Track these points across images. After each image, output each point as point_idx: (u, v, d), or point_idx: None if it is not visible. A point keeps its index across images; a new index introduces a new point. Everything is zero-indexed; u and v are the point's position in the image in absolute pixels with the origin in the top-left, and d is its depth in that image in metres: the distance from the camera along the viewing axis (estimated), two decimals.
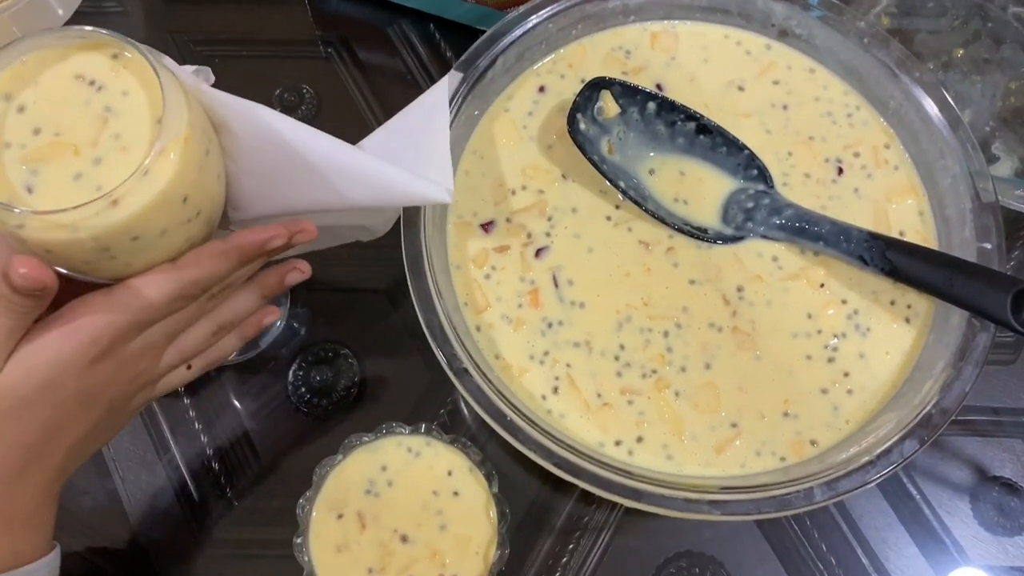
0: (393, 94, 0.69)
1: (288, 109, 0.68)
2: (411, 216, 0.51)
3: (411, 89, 0.69)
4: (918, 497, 0.59)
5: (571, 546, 0.58)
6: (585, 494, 0.59)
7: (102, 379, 0.41)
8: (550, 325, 0.52)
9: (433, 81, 0.69)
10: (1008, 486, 0.60)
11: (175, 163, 0.40)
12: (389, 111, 0.68)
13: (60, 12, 0.65)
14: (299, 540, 0.50)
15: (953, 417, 0.47)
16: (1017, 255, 0.66)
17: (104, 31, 0.41)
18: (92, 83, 0.41)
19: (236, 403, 0.60)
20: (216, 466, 0.59)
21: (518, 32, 0.56)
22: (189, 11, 0.72)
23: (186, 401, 0.60)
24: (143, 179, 0.39)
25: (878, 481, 0.46)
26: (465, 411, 0.60)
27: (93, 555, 0.57)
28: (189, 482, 0.58)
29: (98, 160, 0.40)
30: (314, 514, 0.50)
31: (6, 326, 0.38)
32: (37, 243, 0.39)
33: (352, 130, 0.67)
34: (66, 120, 0.40)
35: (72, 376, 0.40)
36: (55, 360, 0.39)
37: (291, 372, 0.61)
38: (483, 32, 0.57)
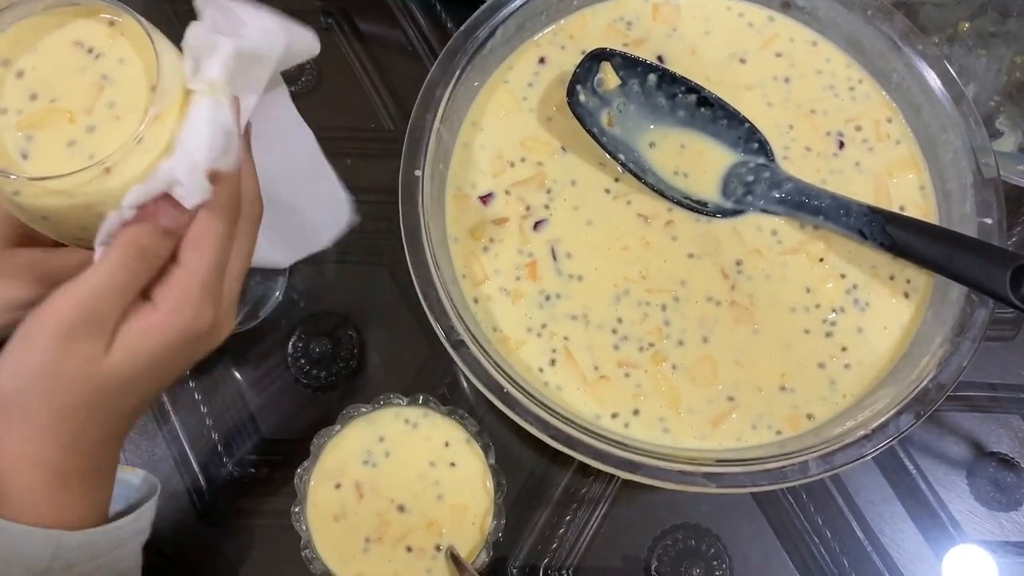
0: (393, 64, 0.69)
1: (289, 80, 0.68)
2: (409, 189, 0.51)
3: (411, 60, 0.69)
4: (915, 472, 0.59)
5: (568, 517, 0.58)
6: (582, 466, 0.59)
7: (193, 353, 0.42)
8: (548, 298, 0.52)
9: (434, 52, 0.69)
10: (1005, 461, 0.60)
11: (169, 131, 0.40)
12: (389, 81, 0.68)
13: None
14: (297, 509, 0.50)
15: (950, 392, 0.47)
16: (1019, 231, 0.65)
17: None
18: (90, 50, 0.41)
19: (236, 374, 0.61)
20: (216, 436, 0.59)
21: (518, 2, 0.55)
22: None
23: (187, 372, 0.60)
24: (137, 147, 0.39)
25: (873, 455, 0.46)
26: (464, 384, 0.61)
27: None
28: (189, 452, 0.59)
29: (92, 128, 0.40)
30: (312, 483, 0.51)
31: (122, 281, 0.38)
32: (34, 209, 0.39)
33: (352, 100, 0.67)
34: (62, 86, 0.40)
35: (173, 355, 0.40)
36: (162, 346, 0.39)
37: (291, 343, 0.61)
38: (483, 3, 0.56)
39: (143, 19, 0.41)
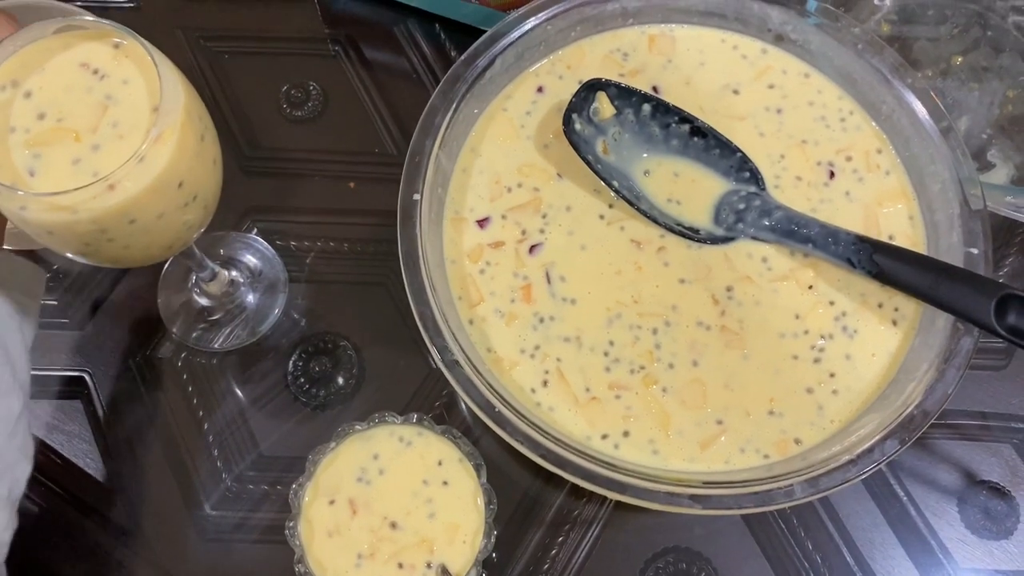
0: (398, 91, 0.70)
1: (295, 105, 0.70)
2: (408, 212, 0.52)
3: (416, 87, 0.71)
4: (905, 499, 0.60)
5: (560, 539, 0.59)
6: (575, 488, 0.60)
7: None
8: (542, 320, 0.53)
9: (438, 80, 0.70)
10: (995, 490, 0.60)
11: (170, 149, 0.42)
12: (393, 108, 0.70)
13: None
14: (291, 524, 0.51)
15: (936, 419, 0.48)
16: (1011, 262, 0.66)
17: (105, 21, 0.43)
18: (96, 71, 0.42)
19: (236, 390, 0.62)
20: (215, 452, 0.60)
21: (517, 33, 0.57)
22: (200, 7, 0.73)
23: (188, 388, 0.61)
24: (139, 165, 0.40)
25: (859, 479, 0.47)
26: (461, 404, 0.62)
27: (93, 534, 0.58)
28: (188, 467, 0.60)
29: (96, 146, 0.42)
30: (306, 499, 0.52)
31: None
32: (39, 224, 0.41)
33: (357, 125, 0.69)
34: (68, 106, 0.42)
35: None
36: None
37: (291, 362, 0.62)
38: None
39: (147, 43, 0.42)
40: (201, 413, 0.61)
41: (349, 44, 0.72)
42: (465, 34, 0.72)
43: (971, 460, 0.61)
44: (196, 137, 0.43)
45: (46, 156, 0.41)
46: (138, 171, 0.40)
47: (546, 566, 0.58)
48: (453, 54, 0.72)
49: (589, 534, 0.59)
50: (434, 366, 0.62)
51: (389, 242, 0.65)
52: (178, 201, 0.43)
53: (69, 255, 0.45)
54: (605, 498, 0.60)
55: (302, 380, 0.62)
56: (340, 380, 0.62)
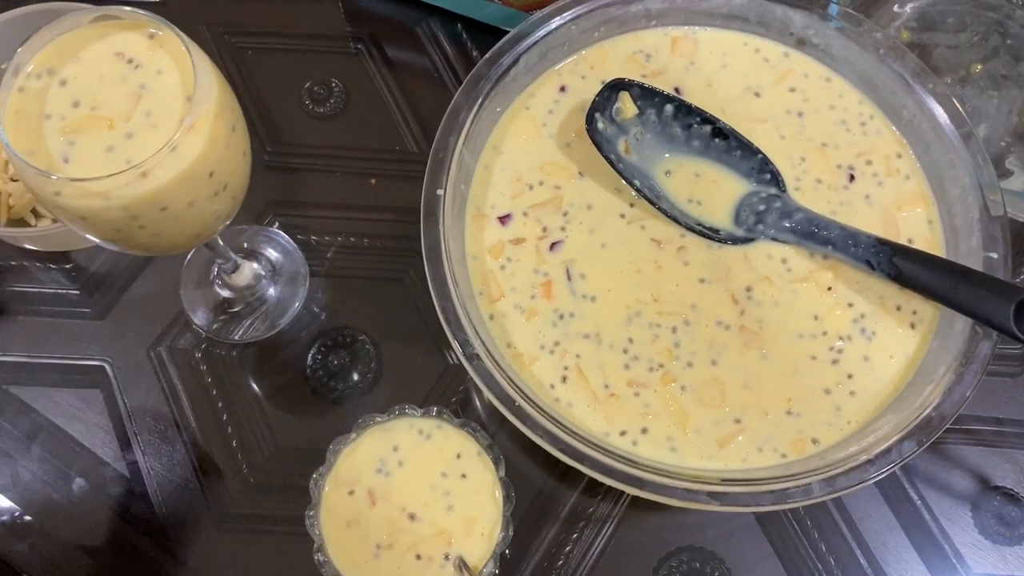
0: (419, 89, 0.71)
1: (317, 102, 0.70)
2: (431, 207, 0.52)
3: (437, 85, 0.71)
4: (919, 502, 0.60)
5: (575, 535, 0.59)
6: (590, 485, 0.60)
7: None
8: (561, 316, 0.54)
9: (459, 78, 0.71)
10: (1009, 496, 0.60)
11: (202, 139, 0.42)
12: (414, 105, 0.70)
13: None
14: (311, 514, 0.52)
15: (952, 421, 0.48)
16: None
17: (141, 11, 0.43)
18: (130, 61, 0.43)
19: (256, 383, 0.62)
20: (234, 443, 0.60)
21: (542, 32, 0.57)
22: (225, 3, 0.74)
23: (208, 379, 0.62)
24: (171, 154, 0.41)
25: (876, 479, 0.47)
26: (476, 400, 0.62)
27: (112, 524, 0.59)
28: (208, 457, 0.60)
29: (130, 135, 0.43)
30: (326, 489, 0.52)
31: None
32: (73, 210, 0.41)
33: (379, 122, 0.70)
34: (103, 95, 0.42)
35: None
36: None
37: (310, 355, 0.63)
38: (508, 32, 0.58)
39: (182, 33, 0.43)
40: (220, 404, 0.62)
41: (371, 42, 0.73)
42: (487, 34, 0.72)
43: (985, 465, 0.61)
44: (227, 128, 0.44)
45: (80, 143, 0.42)
46: (170, 160, 0.41)
47: (560, 562, 0.58)
48: (475, 54, 0.72)
49: (603, 532, 0.59)
50: (452, 362, 0.63)
51: (409, 238, 0.66)
52: (208, 190, 0.44)
53: (99, 242, 0.45)
54: (620, 496, 0.60)
55: (321, 373, 0.62)
56: (358, 374, 0.62)
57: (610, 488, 0.59)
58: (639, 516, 0.60)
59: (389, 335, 0.64)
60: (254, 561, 0.58)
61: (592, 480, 0.59)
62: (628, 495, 0.60)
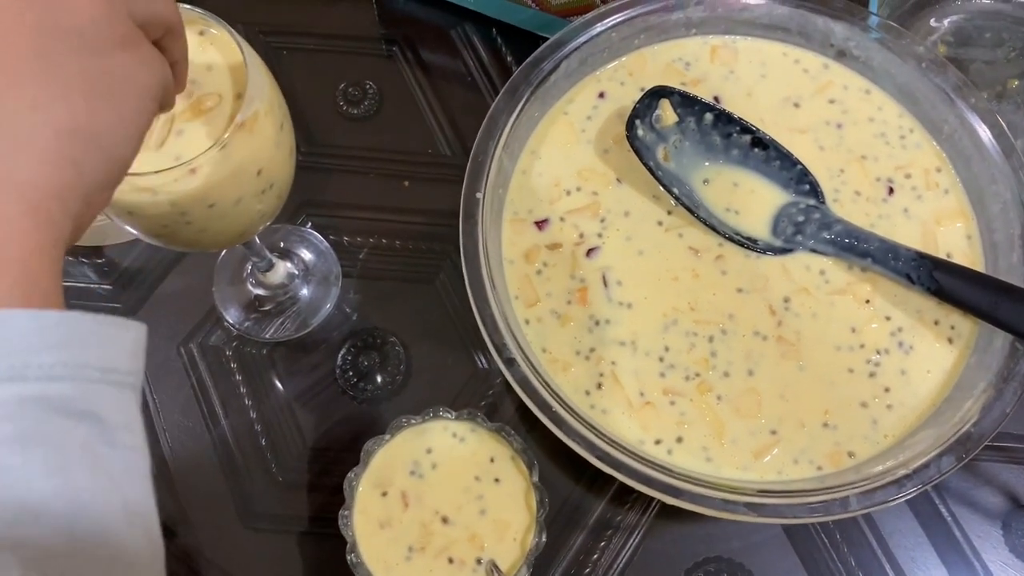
0: (453, 93, 0.71)
1: (352, 103, 0.70)
2: (470, 210, 0.52)
3: (471, 90, 0.71)
4: (950, 519, 0.60)
5: (603, 543, 0.59)
6: (618, 494, 0.60)
7: None
8: (597, 323, 0.54)
9: (493, 83, 0.71)
10: None
11: (252, 137, 0.42)
12: (448, 109, 0.70)
13: None
14: (346, 514, 0.52)
15: (991, 438, 0.48)
16: None
17: (195, 9, 0.43)
18: None
19: (285, 382, 0.62)
20: (263, 442, 0.60)
21: (582, 39, 0.57)
22: (261, 3, 0.74)
23: (238, 377, 0.62)
24: (221, 151, 0.41)
25: (913, 494, 0.47)
26: (505, 405, 0.62)
27: None
28: (236, 456, 0.60)
29: (180, 131, 0.43)
30: (360, 490, 0.52)
31: None
32: (121, 204, 0.41)
33: (412, 125, 0.70)
34: None
35: None
36: None
37: (340, 356, 0.63)
38: (543, 38, 0.58)
39: (234, 31, 0.43)
40: (249, 401, 0.62)
41: (406, 45, 0.73)
42: (521, 38, 0.72)
43: (1017, 483, 0.61)
44: (276, 126, 0.44)
45: None
46: (220, 156, 0.41)
47: (587, 570, 0.58)
48: (509, 59, 0.72)
49: (631, 541, 0.59)
50: (480, 366, 0.63)
51: (441, 241, 0.66)
52: (256, 188, 0.44)
53: (144, 237, 0.45)
54: (648, 505, 0.60)
55: (350, 374, 0.62)
56: (387, 376, 0.62)
57: (638, 497, 0.59)
58: (666, 526, 0.60)
59: (419, 337, 0.64)
60: (281, 560, 0.58)
61: (620, 488, 0.59)
62: (656, 504, 0.59)
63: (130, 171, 0.40)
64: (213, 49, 0.44)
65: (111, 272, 0.65)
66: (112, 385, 0.27)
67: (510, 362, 0.49)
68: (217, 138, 0.41)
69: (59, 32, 0.29)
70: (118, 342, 0.28)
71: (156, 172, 0.40)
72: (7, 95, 0.27)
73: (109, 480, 0.26)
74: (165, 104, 0.35)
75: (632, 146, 0.55)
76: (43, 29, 0.28)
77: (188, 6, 0.43)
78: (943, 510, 0.60)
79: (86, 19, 0.29)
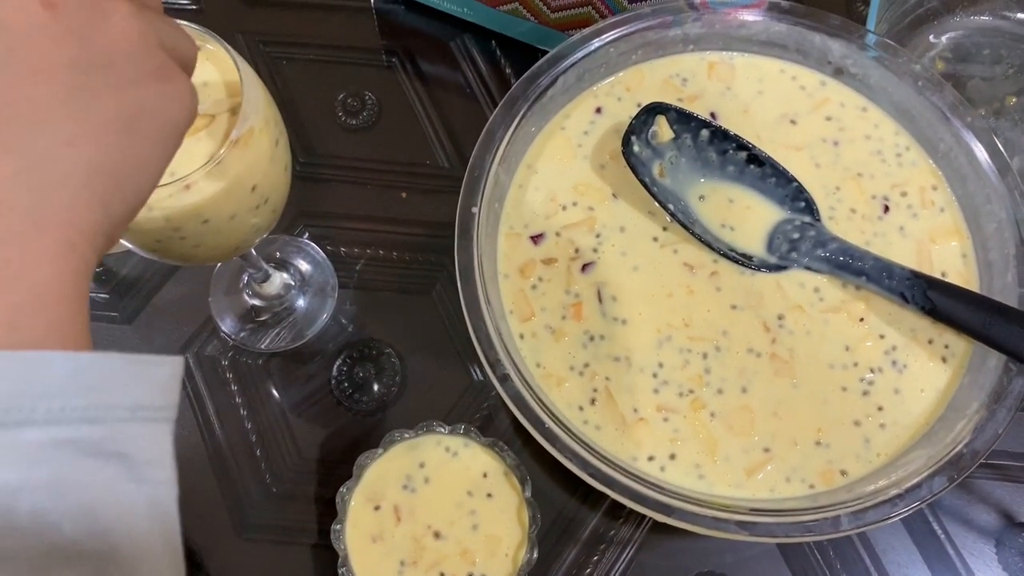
0: (452, 105, 0.71)
1: (350, 114, 0.71)
2: (465, 225, 0.53)
3: (470, 102, 0.71)
4: (943, 537, 0.60)
5: (595, 558, 0.59)
6: (612, 508, 0.60)
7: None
8: (592, 338, 0.54)
9: (492, 95, 0.71)
10: None
11: (247, 153, 0.42)
12: (446, 121, 0.70)
13: None
14: (338, 528, 0.52)
15: (984, 458, 0.48)
16: None
17: (190, 24, 0.43)
18: None
19: (281, 392, 0.62)
20: (258, 452, 0.60)
21: (580, 54, 0.57)
22: (261, 12, 0.74)
23: (233, 387, 0.62)
24: (216, 167, 0.41)
25: (905, 514, 0.47)
26: (500, 417, 0.62)
27: None
28: (231, 466, 0.60)
29: None
30: (352, 504, 0.52)
31: None
32: None
33: (410, 136, 0.70)
34: None
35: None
36: None
37: (335, 367, 0.63)
38: (542, 51, 0.58)
39: (231, 48, 0.43)
40: (244, 412, 0.62)
41: (406, 56, 0.73)
42: (520, 51, 0.72)
43: (1011, 501, 0.61)
44: (271, 142, 0.44)
45: None
46: (215, 173, 0.41)
47: None
48: (508, 71, 0.72)
49: (624, 555, 0.59)
50: (476, 378, 0.63)
51: (438, 252, 0.66)
52: (250, 204, 0.44)
53: (138, 251, 0.45)
54: (641, 520, 0.60)
55: (345, 385, 0.62)
56: (383, 387, 0.62)
57: (632, 511, 0.59)
58: (660, 540, 0.60)
59: (415, 349, 0.64)
60: (273, 570, 0.58)
61: (614, 503, 0.59)
62: (650, 519, 0.59)
63: None
64: (209, 65, 0.44)
65: (108, 281, 0.65)
66: (142, 422, 0.27)
67: (504, 378, 0.49)
68: (212, 154, 0.41)
69: (94, 68, 0.29)
70: (150, 380, 0.28)
71: None
72: (44, 133, 0.28)
73: (134, 517, 0.27)
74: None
75: (628, 162, 0.55)
76: (78, 65, 0.29)
77: (184, 22, 0.43)
78: (936, 527, 0.60)
79: (121, 54, 0.30)
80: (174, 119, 0.32)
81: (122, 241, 0.44)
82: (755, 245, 0.56)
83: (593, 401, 0.52)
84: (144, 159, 0.31)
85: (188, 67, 0.34)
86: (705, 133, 0.56)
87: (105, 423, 0.26)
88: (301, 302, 0.64)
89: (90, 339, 0.29)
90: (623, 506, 0.57)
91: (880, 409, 0.52)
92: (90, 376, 0.26)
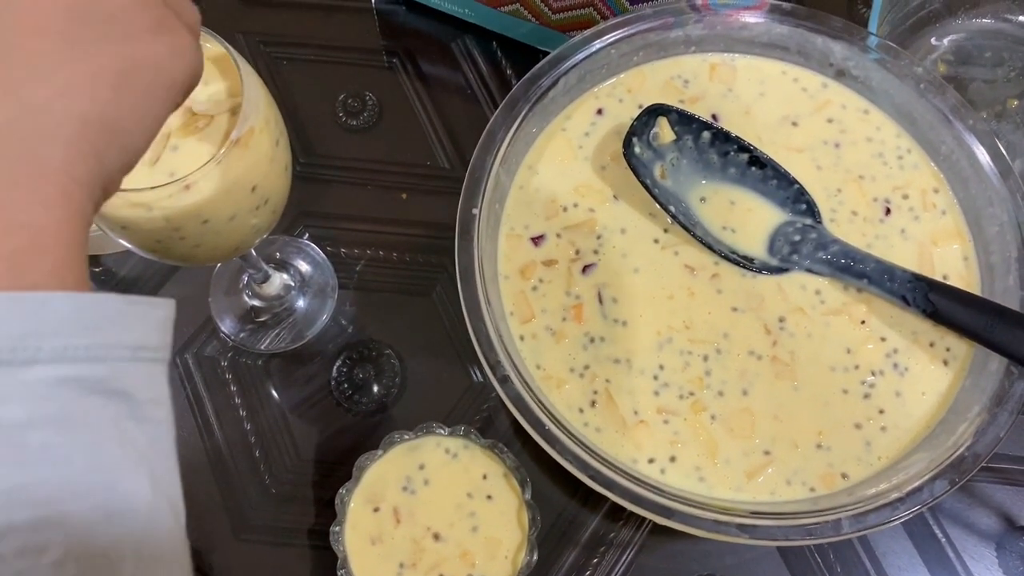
0: (452, 106, 0.71)
1: (351, 114, 0.71)
2: (466, 226, 0.52)
3: (470, 103, 0.71)
4: (944, 540, 0.59)
5: (595, 560, 0.59)
6: (612, 511, 0.60)
7: None
8: (592, 340, 0.53)
9: (492, 96, 0.71)
10: None
11: (247, 153, 0.42)
12: (447, 122, 0.70)
13: None
14: (337, 529, 0.52)
15: (985, 462, 0.48)
16: None
17: None
18: None
19: (280, 393, 0.62)
20: (257, 453, 0.60)
21: (581, 55, 0.57)
22: (262, 12, 0.74)
23: (233, 388, 0.62)
24: (216, 168, 0.41)
25: (906, 518, 0.47)
26: (500, 419, 0.62)
27: None
28: (230, 466, 0.60)
29: (175, 147, 0.43)
30: (352, 505, 0.52)
31: None
32: (115, 219, 0.41)
33: (411, 137, 0.70)
34: None
35: None
36: None
37: (335, 368, 0.63)
38: (543, 52, 0.58)
39: (231, 48, 0.43)
40: (244, 413, 0.62)
41: (406, 57, 0.73)
42: (521, 52, 0.72)
43: (1012, 505, 0.60)
44: (272, 142, 0.44)
45: None
46: (215, 173, 0.41)
47: None
48: (509, 72, 0.72)
49: (624, 557, 0.59)
50: (476, 379, 0.63)
51: (438, 253, 0.66)
52: (250, 204, 0.44)
53: (138, 251, 0.45)
54: (641, 522, 0.60)
55: (345, 386, 0.62)
56: (382, 389, 0.62)
57: (632, 513, 0.59)
58: (660, 542, 0.60)
59: (414, 350, 0.64)
60: (272, 572, 0.58)
61: (614, 505, 0.58)
62: (650, 521, 0.59)
63: (124, 187, 0.40)
64: (210, 64, 0.44)
65: (108, 281, 0.65)
66: (142, 362, 0.28)
67: (504, 380, 0.49)
68: (212, 154, 0.41)
69: (91, 18, 0.29)
70: (148, 320, 0.29)
71: (151, 188, 0.40)
72: (39, 83, 0.28)
73: (137, 454, 0.27)
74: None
75: (629, 163, 0.55)
76: (75, 15, 0.29)
77: None
78: (937, 531, 0.60)
79: (119, 5, 0.30)
80: (172, 74, 0.32)
81: (121, 241, 0.44)
82: (756, 247, 0.56)
83: (593, 403, 0.52)
84: (139, 115, 0.31)
85: (193, 28, 0.34)
86: (706, 135, 0.56)
87: (107, 362, 0.27)
88: (301, 303, 0.64)
89: (90, 283, 0.29)
90: (623, 509, 0.57)
91: (881, 412, 0.52)
92: (92, 316, 0.27)
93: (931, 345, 0.53)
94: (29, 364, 0.25)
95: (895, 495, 0.47)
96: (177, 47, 0.32)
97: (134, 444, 0.27)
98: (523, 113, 0.56)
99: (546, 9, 0.67)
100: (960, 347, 0.53)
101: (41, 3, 0.28)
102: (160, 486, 0.28)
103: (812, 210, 0.55)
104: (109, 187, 0.31)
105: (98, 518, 0.26)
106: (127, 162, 0.31)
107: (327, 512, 0.54)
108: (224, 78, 0.44)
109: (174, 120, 0.42)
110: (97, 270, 0.65)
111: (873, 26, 0.61)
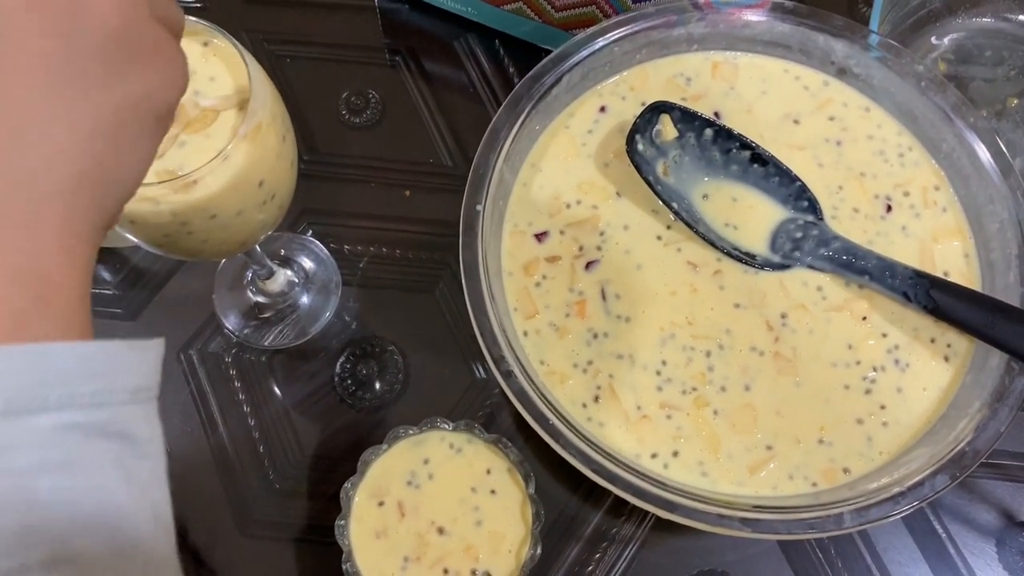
0: (455, 104, 0.71)
1: (354, 112, 0.71)
2: (470, 222, 0.53)
3: (473, 101, 0.71)
4: (944, 536, 0.60)
5: (598, 555, 0.59)
6: (614, 506, 0.60)
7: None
8: (595, 336, 0.54)
9: (495, 94, 0.71)
10: None
11: (254, 148, 0.42)
12: (450, 120, 0.71)
13: None
14: (342, 523, 0.52)
15: (985, 457, 0.48)
16: None
17: (198, 19, 0.44)
18: None
19: (284, 389, 0.62)
20: (261, 448, 0.61)
21: (584, 53, 0.57)
22: (265, 10, 0.75)
23: (237, 384, 0.62)
24: (223, 163, 0.41)
25: (907, 512, 0.47)
26: (503, 415, 0.62)
27: None
28: (234, 462, 0.60)
29: (182, 142, 0.43)
30: (356, 499, 0.52)
31: None
32: (123, 213, 0.41)
33: (414, 135, 0.70)
34: None
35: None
36: None
37: (339, 364, 0.63)
38: (546, 50, 0.59)
39: (238, 43, 0.43)
40: (248, 408, 0.62)
41: (409, 55, 0.73)
42: (524, 50, 0.73)
43: (1012, 501, 0.61)
44: (279, 138, 0.44)
45: None
46: (222, 168, 0.41)
47: None
48: (511, 70, 0.73)
49: (626, 552, 0.59)
50: (479, 376, 0.63)
51: (441, 250, 0.66)
52: (258, 199, 0.44)
53: (145, 246, 0.45)
54: (644, 517, 0.60)
55: (349, 382, 0.63)
56: (386, 385, 0.63)
57: (635, 509, 0.59)
58: (662, 538, 0.60)
59: (418, 346, 0.64)
60: (277, 567, 0.58)
61: (617, 500, 0.59)
62: (652, 516, 0.60)
63: None
64: (217, 60, 0.44)
65: (113, 277, 0.65)
66: (139, 403, 0.29)
67: (508, 374, 0.49)
68: (220, 149, 0.41)
69: (79, 56, 0.28)
70: (144, 363, 0.30)
71: (158, 183, 0.40)
72: (34, 142, 0.28)
73: (139, 490, 0.29)
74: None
75: (632, 160, 0.55)
76: (62, 55, 0.28)
77: (193, 18, 0.43)
78: (937, 526, 0.60)
79: (111, 36, 0.29)
80: (167, 102, 0.32)
81: (128, 236, 0.45)
82: (758, 244, 0.56)
83: (596, 398, 0.52)
84: (137, 155, 0.31)
85: (179, 34, 0.34)
86: (709, 132, 0.56)
87: (109, 406, 0.28)
88: (305, 299, 0.64)
89: (92, 327, 0.30)
90: (625, 504, 0.57)
91: (882, 407, 0.52)
92: (95, 364, 0.28)
93: (932, 341, 0.54)
94: (37, 412, 0.26)
95: (896, 489, 0.48)
96: (169, 76, 0.31)
97: (137, 481, 0.29)
98: (526, 111, 0.56)
99: (549, 7, 0.67)
100: (961, 343, 0.54)
101: (26, 46, 0.27)
102: (160, 517, 0.30)
103: (814, 207, 0.56)
104: (108, 226, 0.31)
105: (106, 554, 0.27)
106: (125, 199, 0.32)
107: (331, 506, 0.54)
108: (231, 74, 0.44)
109: (182, 113, 0.43)
110: (102, 265, 0.66)
111: (874, 24, 0.61)
